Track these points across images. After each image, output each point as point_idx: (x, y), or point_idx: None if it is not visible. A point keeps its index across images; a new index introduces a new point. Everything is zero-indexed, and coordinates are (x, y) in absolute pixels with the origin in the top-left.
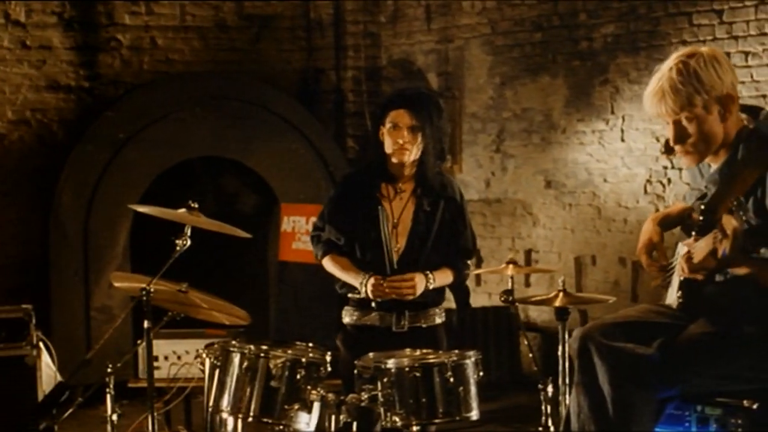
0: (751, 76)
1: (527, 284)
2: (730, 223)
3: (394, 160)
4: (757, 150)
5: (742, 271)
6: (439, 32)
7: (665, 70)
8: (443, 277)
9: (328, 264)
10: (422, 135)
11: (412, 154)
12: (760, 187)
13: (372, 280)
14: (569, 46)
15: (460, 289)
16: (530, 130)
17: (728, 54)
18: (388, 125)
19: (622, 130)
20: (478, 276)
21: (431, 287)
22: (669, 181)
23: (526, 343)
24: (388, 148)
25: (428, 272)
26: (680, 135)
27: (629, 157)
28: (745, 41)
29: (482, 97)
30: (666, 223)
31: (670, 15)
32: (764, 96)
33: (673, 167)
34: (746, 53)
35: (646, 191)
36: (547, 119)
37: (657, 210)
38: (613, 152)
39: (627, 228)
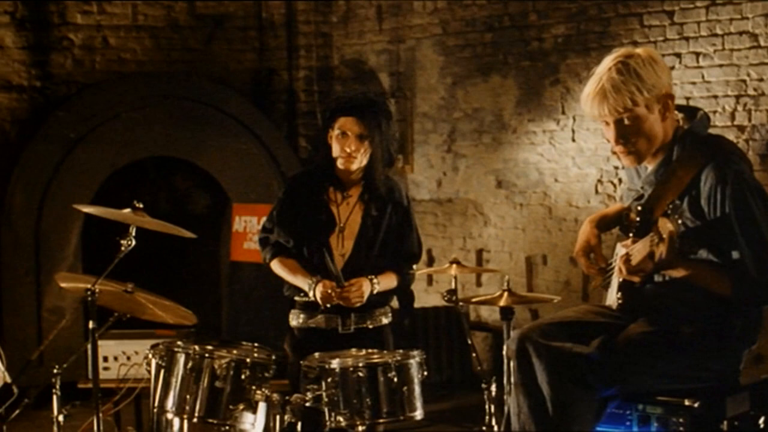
0: (703, 77)
1: (479, 284)
2: (665, 226)
3: (340, 166)
4: (691, 150)
5: (678, 273)
6: (391, 32)
7: (604, 70)
8: (388, 282)
9: (277, 267)
10: (370, 143)
11: (359, 162)
12: (695, 188)
13: (320, 286)
14: (520, 47)
15: (405, 293)
16: (481, 130)
17: (679, 55)
18: (336, 131)
19: (573, 131)
20: (429, 276)
21: (375, 292)
22: (620, 181)
23: (469, 342)
24: (336, 153)
25: (373, 277)
26: (622, 135)
27: (580, 157)
28: (696, 42)
29: (433, 97)
30: (603, 224)
31: (621, 16)
32: (715, 96)
33: (624, 167)
34: (697, 54)
35: (597, 191)
36: (498, 119)
37: None
38: (563, 152)
39: (578, 228)
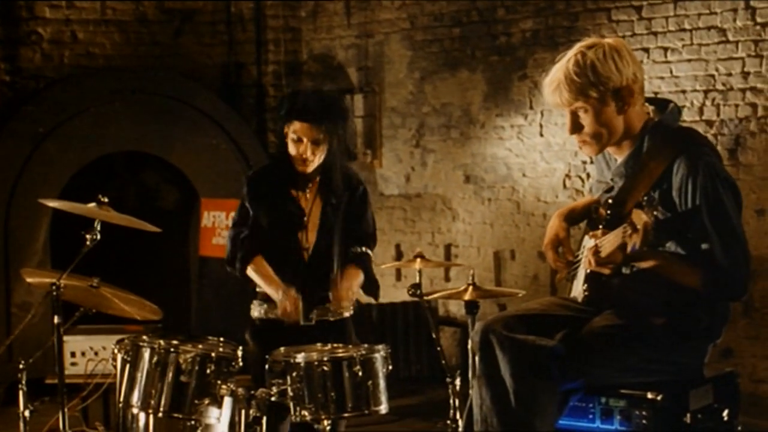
0: (671, 72)
1: (447, 279)
2: (640, 217)
3: (297, 168)
4: (662, 143)
5: (648, 264)
6: (359, 27)
7: (565, 59)
8: (357, 281)
9: (251, 273)
10: (326, 143)
11: (315, 163)
12: (666, 180)
13: (283, 303)
14: (488, 41)
15: (368, 280)
16: (449, 125)
17: (647, 50)
18: (291, 135)
19: (541, 125)
20: (398, 272)
21: (354, 297)
22: (588, 175)
23: (434, 336)
24: (292, 154)
25: (348, 285)
26: (576, 125)
27: (548, 151)
28: (665, 37)
29: (402, 92)
30: (572, 217)
31: (589, 11)
32: (684, 91)
33: (592, 162)
34: (665, 49)
35: (565, 186)
36: (466, 114)
37: None
38: (531, 147)
39: (546, 222)
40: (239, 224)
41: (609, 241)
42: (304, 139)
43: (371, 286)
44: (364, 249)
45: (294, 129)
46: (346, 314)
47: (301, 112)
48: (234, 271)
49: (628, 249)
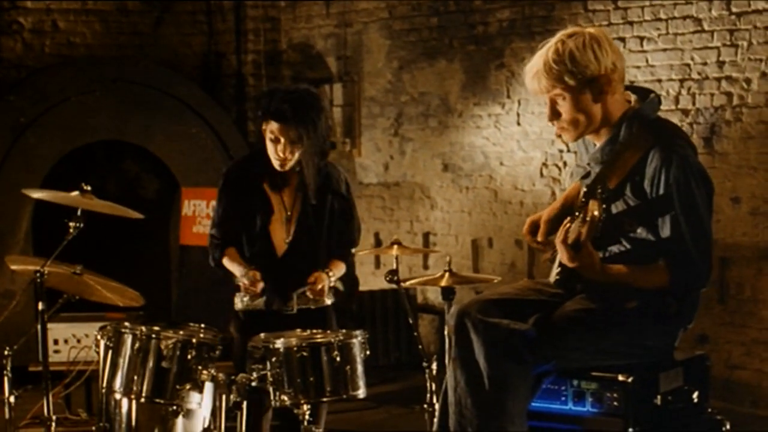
0: (647, 61)
1: (426, 266)
2: (592, 209)
3: (275, 166)
4: (638, 132)
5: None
6: (338, 16)
7: (545, 48)
8: (339, 270)
9: (226, 262)
10: (303, 143)
11: (293, 161)
12: (640, 170)
13: (245, 278)
14: (465, 31)
15: (349, 278)
16: (427, 114)
17: (623, 39)
18: (269, 134)
19: (518, 114)
20: (377, 259)
21: (332, 284)
22: (565, 164)
23: (411, 321)
24: (270, 153)
25: (328, 270)
26: (554, 112)
27: (525, 140)
28: (641, 26)
29: (380, 81)
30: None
31: (565, 0)
32: (659, 80)
33: (568, 150)
34: (641, 38)
35: (542, 174)
36: (444, 103)
37: (553, 193)
38: (509, 136)
39: (523, 210)
40: (215, 225)
41: (573, 229)
42: (282, 139)
43: (351, 282)
44: (347, 249)
45: (271, 129)
46: (328, 302)
47: (277, 113)
48: (216, 268)
49: (572, 239)
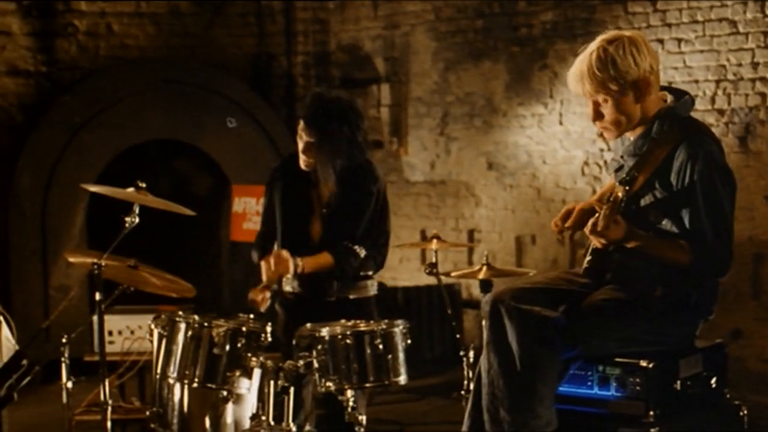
0: (684, 62)
1: (470, 262)
2: (617, 191)
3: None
4: (669, 130)
5: (633, 244)
6: (386, 18)
7: (587, 53)
8: (316, 263)
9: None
10: (316, 149)
11: (312, 162)
12: (668, 164)
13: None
14: (509, 33)
15: (342, 276)
16: (473, 113)
17: (661, 41)
18: (299, 131)
19: (561, 114)
20: (423, 254)
21: (299, 271)
22: (605, 162)
23: (449, 312)
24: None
25: (300, 259)
26: (597, 113)
27: (567, 139)
28: (678, 28)
29: (427, 81)
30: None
31: (606, 3)
32: (696, 81)
33: (609, 149)
34: (679, 40)
35: (583, 173)
36: (489, 103)
37: (594, 190)
38: (551, 135)
39: None
40: (261, 223)
41: (602, 217)
42: (304, 137)
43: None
44: (357, 248)
45: (300, 127)
46: (371, 293)
47: (303, 116)
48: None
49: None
